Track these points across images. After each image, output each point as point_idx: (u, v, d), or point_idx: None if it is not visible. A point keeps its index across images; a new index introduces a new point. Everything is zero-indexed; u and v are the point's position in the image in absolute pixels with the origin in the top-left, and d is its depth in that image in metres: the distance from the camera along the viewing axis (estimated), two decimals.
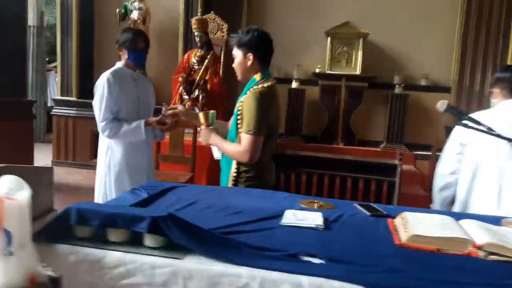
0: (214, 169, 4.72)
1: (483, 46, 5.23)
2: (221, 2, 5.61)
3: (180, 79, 4.72)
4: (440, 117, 5.52)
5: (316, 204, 1.64)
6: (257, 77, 2.08)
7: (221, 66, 4.97)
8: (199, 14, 5.45)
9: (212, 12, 5.19)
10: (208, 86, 4.76)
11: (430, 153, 5.10)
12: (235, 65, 2.13)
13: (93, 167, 5.85)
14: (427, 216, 1.40)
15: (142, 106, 2.60)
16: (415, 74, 5.57)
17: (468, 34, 5.26)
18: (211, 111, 2.20)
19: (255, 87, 2.05)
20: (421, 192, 4.65)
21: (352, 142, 5.49)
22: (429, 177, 4.87)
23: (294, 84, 5.55)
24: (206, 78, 4.76)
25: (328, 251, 1.14)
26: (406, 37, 5.50)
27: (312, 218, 1.42)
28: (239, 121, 2.06)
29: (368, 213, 1.55)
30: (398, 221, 1.43)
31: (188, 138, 4.23)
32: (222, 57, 5.05)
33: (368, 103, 5.60)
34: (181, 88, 4.77)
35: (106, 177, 2.52)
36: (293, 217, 1.43)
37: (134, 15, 5.59)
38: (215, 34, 5.18)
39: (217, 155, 2.21)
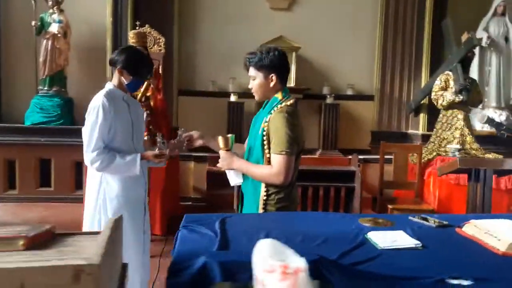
0: (169, 190, 4.54)
1: (400, 57, 5.79)
2: (150, 15, 5.35)
3: None
4: (366, 124, 6.00)
5: (377, 221, 1.67)
6: (278, 96, 2.05)
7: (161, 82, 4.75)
8: (129, 28, 5.15)
9: (147, 25, 4.93)
10: (152, 103, 4.51)
11: (363, 156, 5.52)
12: (255, 86, 2.07)
13: (7, 199, 5.24)
14: (499, 222, 1.51)
15: (136, 133, 2.37)
16: (342, 85, 5.94)
17: (387, 45, 5.78)
18: (230, 135, 2.12)
19: (279, 106, 2.01)
20: (366, 194, 4.96)
21: None
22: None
23: (232, 98, 5.53)
24: (148, 94, 4.49)
25: (460, 271, 1.16)
26: (332, 50, 5.84)
27: (401, 238, 1.43)
28: (265, 142, 2.00)
29: (433, 225, 1.62)
30: (471, 229, 1.51)
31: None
32: (161, 72, 4.84)
33: (302, 113, 5.77)
34: None
35: (100, 214, 2.23)
36: (383, 239, 1.43)
37: (53, 28, 5.08)
38: (151, 48, 4.93)
39: (236, 180, 2.12)
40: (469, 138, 4.33)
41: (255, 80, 2.06)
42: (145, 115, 4.34)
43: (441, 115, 4.57)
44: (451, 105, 4.43)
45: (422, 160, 4.24)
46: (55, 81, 5.21)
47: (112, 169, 2.20)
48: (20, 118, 5.26)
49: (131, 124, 2.33)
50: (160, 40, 4.93)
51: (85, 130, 2.21)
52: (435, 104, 4.57)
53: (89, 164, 2.22)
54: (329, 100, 5.62)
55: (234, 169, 2.08)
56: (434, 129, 4.62)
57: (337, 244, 1.39)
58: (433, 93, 4.56)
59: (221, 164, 2.08)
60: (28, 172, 5.16)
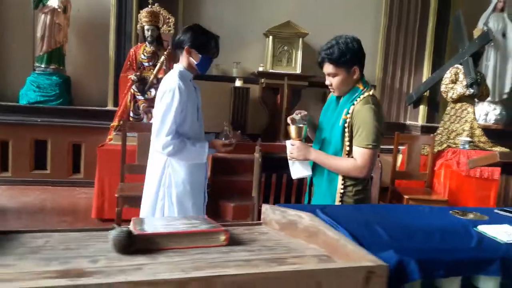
0: None
1: (402, 48, 5.86)
2: None
3: (133, 77, 4.21)
4: None
5: (470, 214, 1.68)
6: (359, 86, 1.99)
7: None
8: (134, 5, 4.93)
9: (156, 4, 4.72)
10: None
11: None
12: (336, 83, 1.97)
13: None
14: None
15: (200, 118, 2.27)
16: None
17: (390, 37, 5.84)
18: (304, 126, 2.05)
19: (361, 97, 1.96)
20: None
21: None
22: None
23: (238, 83, 5.43)
24: (160, 76, 4.33)
25: None
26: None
27: (510, 232, 1.45)
28: (346, 134, 1.95)
29: None
30: None
31: None
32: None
33: (305, 101, 5.80)
34: (133, 87, 4.26)
35: (164, 200, 2.13)
36: (498, 233, 1.43)
37: (53, 2, 4.78)
38: (161, 28, 4.74)
39: (302, 172, 2.06)
40: (478, 131, 4.45)
41: (335, 76, 1.96)
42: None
43: (449, 108, 4.67)
44: (460, 98, 4.54)
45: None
46: (53, 58, 4.92)
47: (183, 155, 2.12)
48: (14, 96, 4.96)
49: (197, 109, 2.23)
50: (170, 20, 4.74)
51: (158, 113, 2.11)
52: (445, 96, 4.66)
53: (160, 148, 2.12)
54: None
55: (306, 160, 2.02)
56: (442, 121, 4.72)
57: (458, 239, 1.38)
58: (443, 86, 4.65)
59: (296, 155, 2.00)
60: (23, 154, 4.90)
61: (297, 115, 2.12)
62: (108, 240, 0.92)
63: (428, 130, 5.48)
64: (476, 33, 4.66)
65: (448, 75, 4.64)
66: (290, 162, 2.09)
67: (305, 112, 2.15)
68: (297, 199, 3.98)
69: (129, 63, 4.35)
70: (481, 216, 1.67)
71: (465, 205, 4.11)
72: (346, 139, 1.95)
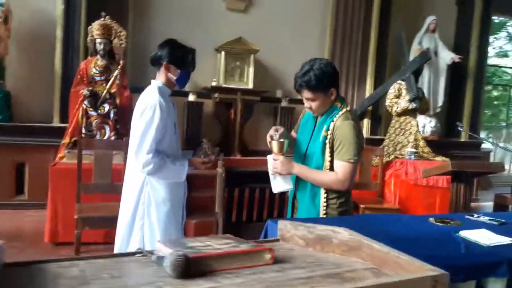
0: None
1: (346, 65, 6.16)
2: (105, 5, 4.98)
3: (86, 92, 4.03)
4: None
5: (447, 221, 1.82)
6: (338, 104, 2.08)
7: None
8: (82, 17, 4.76)
9: (107, 17, 4.58)
10: (117, 100, 4.22)
11: None
12: (316, 106, 2.04)
13: None
14: None
15: (177, 135, 2.23)
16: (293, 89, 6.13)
17: (335, 54, 6.12)
18: (286, 140, 2.09)
19: (340, 113, 2.05)
20: None
21: (246, 153, 5.68)
22: None
23: (191, 97, 5.40)
24: (113, 91, 4.20)
25: None
26: (285, 54, 5.99)
27: (492, 236, 1.59)
28: (327, 149, 2.02)
29: (496, 223, 1.81)
30: None
31: (117, 162, 3.71)
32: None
33: (257, 115, 5.90)
34: (85, 102, 4.08)
35: (143, 219, 2.06)
36: (479, 238, 1.57)
37: None
38: (113, 41, 4.60)
39: (283, 186, 2.10)
40: (421, 143, 4.80)
41: (314, 101, 2.03)
42: (111, 113, 4.12)
43: (393, 121, 4.99)
44: (404, 112, 4.86)
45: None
46: None
47: (162, 174, 2.07)
48: None
49: (174, 125, 2.20)
50: (122, 34, 4.63)
51: (138, 130, 2.04)
52: (390, 110, 4.97)
53: (140, 167, 2.05)
54: (284, 103, 5.79)
55: (289, 174, 2.07)
56: (388, 134, 5.02)
57: (445, 245, 1.49)
58: (387, 100, 4.96)
59: (280, 169, 2.04)
60: None
61: (275, 132, 2.17)
62: (152, 264, 0.90)
63: (372, 142, 5.78)
64: (416, 52, 5.04)
65: (392, 91, 4.96)
66: (271, 176, 2.13)
67: (282, 129, 2.20)
68: (264, 212, 4.01)
69: (79, 77, 4.17)
70: (456, 222, 1.81)
71: (415, 212, 4.38)
72: (327, 154, 2.03)
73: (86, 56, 4.65)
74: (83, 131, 4.04)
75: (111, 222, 3.34)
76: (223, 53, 5.52)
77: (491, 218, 1.88)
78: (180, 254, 0.79)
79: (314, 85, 1.98)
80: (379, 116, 6.14)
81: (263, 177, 4.14)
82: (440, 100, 6.41)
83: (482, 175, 3.77)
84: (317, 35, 6.19)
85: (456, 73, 6.60)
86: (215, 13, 5.76)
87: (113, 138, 4.10)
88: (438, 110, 6.41)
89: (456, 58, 6.10)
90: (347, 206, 2.09)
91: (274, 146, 2.06)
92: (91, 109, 4.08)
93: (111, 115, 4.12)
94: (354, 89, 6.24)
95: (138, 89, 5.30)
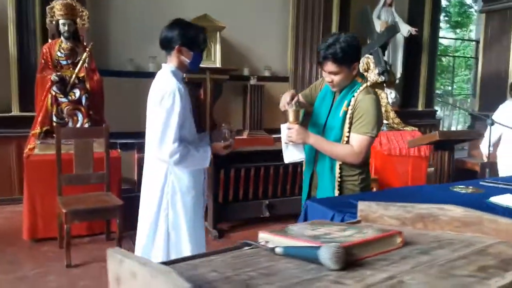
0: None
1: (310, 40, 6.19)
2: None
3: (54, 78, 3.75)
4: None
5: (469, 189, 1.92)
6: (358, 79, 2.09)
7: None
8: None
9: None
10: (87, 85, 3.97)
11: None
12: (338, 80, 2.02)
13: None
14: None
15: (194, 120, 2.14)
16: (260, 66, 6.10)
17: (298, 30, 6.12)
18: (302, 109, 2.08)
19: (361, 88, 2.06)
20: None
21: None
22: None
23: None
24: (81, 75, 3.94)
25: None
26: (250, 32, 5.91)
27: None
28: (347, 124, 2.03)
29: (510, 187, 1.94)
30: None
31: (98, 150, 3.52)
32: None
33: (226, 94, 5.81)
34: (53, 88, 3.79)
35: (167, 210, 1.98)
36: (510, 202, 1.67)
37: None
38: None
39: (297, 156, 2.10)
40: (392, 114, 4.98)
41: (337, 74, 2.00)
42: (83, 99, 3.88)
43: None
44: (373, 86, 5.00)
45: None
46: None
47: (187, 162, 1.99)
48: None
49: (190, 111, 2.10)
50: (84, 13, 4.31)
51: (159, 119, 1.93)
52: None
53: (166, 157, 1.95)
54: (253, 82, 5.74)
55: (304, 144, 2.06)
56: None
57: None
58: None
59: (295, 138, 2.03)
60: None
61: (290, 99, 2.13)
62: (280, 258, 0.86)
63: None
64: (381, 25, 5.16)
65: (360, 65, 5.07)
66: (284, 146, 2.12)
67: (298, 96, 2.18)
68: (250, 191, 4.01)
69: (44, 61, 3.86)
70: (477, 189, 1.91)
71: (391, 182, 4.58)
72: (346, 129, 2.04)
73: (45, 38, 4.31)
74: (54, 119, 3.78)
75: (99, 213, 3.22)
76: None
77: (506, 183, 2.00)
78: (337, 246, 0.76)
79: (341, 58, 1.95)
80: None
81: (248, 157, 4.14)
82: (399, 72, 6.65)
83: (461, 143, 4.00)
84: (280, 11, 6.14)
85: (411, 45, 6.86)
86: None
87: (86, 125, 3.87)
88: (397, 81, 6.66)
89: (412, 30, 6.32)
90: (367, 182, 2.14)
91: (290, 114, 2.04)
92: (60, 95, 3.81)
93: (83, 101, 3.88)
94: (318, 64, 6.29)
95: (102, 72, 5.10)
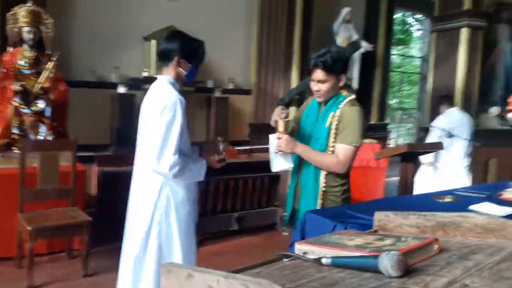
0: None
1: (272, 55, 6.32)
2: None
3: (17, 88, 3.57)
4: (245, 116, 6.36)
5: (448, 198, 2.05)
6: (343, 92, 2.18)
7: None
8: None
9: (30, 2, 4.05)
10: (51, 96, 3.81)
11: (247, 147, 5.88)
12: (325, 89, 2.11)
13: None
14: None
15: (189, 133, 2.13)
16: (224, 79, 6.13)
17: (262, 44, 6.24)
18: (291, 120, 2.15)
19: (346, 100, 2.15)
20: None
21: None
22: None
23: (121, 89, 5.07)
24: (46, 86, 3.78)
25: None
26: (215, 44, 5.90)
27: (495, 207, 1.85)
28: (332, 135, 2.11)
29: (483, 196, 2.10)
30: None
31: (64, 163, 3.38)
32: None
33: (191, 106, 5.73)
34: (15, 99, 3.61)
35: (161, 224, 1.95)
36: (488, 210, 1.81)
37: None
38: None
39: (284, 165, 2.17)
40: None
41: (325, 83, 2.10)
42: (49, 111, 3.72)
43: None
44: None
45: None
46: None
47: (186, 174, 1.97)
48: None
49: (187, 123, 2.09)
50: (48, 22, 4.14)
51: (159, 131, 1.90)
52: None
53: (166, 169, 1.91)
54: (217, 94, 5.75)
55: (293, 153, 2.12)
56: None
57: None
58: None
59: (285, 148, 2.09)
60: None
61: (281, 111, 2.21)
62: (325, 269, 0.89)
63: None
64: (344, 42, 5.38)
65: None
66: (272, 155, 2.18)
67: (287, 110, 2.26)
68: (218, 206, 3.99)
69: (5, 70, 3.67)
70: (455, 198, 2.05)
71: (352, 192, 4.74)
72: (331, 140, 2.13)
73: (4, 47, 4.09)
74: (16, 131, 3.58)
75: (67, 230, 3.08)
76: (153, 42, 5.27)
77: (475, 191, 2.17)
78: (399, 254, 0.81)
79: (330, 66, 2.06)
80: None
81: (216, 170, 4.15)
82: (354, 86, 6.94)
83: (425, 154, 4.23)
84: (244, 25, 6.23)
85: (366, 61, 7.18)
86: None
87: (50, 137, 3.70)
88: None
89: (369, 47, 6.64)
90: (348, 193, 2.22)
91: (280, 125, 2.12)
92: (23, 106, 3.63)
93: (47, 112, 3.71)
94: (280, 79, 6.42)
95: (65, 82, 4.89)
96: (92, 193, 4.69)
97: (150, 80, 5.11)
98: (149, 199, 1.99)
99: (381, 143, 6.48)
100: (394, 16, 8.18)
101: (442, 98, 4.89)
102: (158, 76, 2.11)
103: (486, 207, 1.85)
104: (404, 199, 2.24)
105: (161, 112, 1.94)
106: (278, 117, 2.15)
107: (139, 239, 1.99)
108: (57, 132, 3.75)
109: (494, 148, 5.89)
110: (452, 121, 4.52)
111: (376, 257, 0.83)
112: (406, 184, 3.44)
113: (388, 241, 0.97)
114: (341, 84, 2.16)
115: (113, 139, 5.08)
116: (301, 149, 2.12)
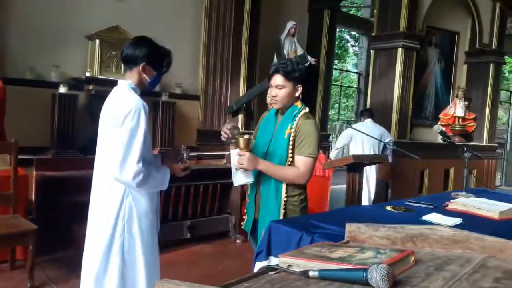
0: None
1: (220, 63, 6.32)
2: None
3: None
4: (193, 122, 6.29)
5: (400, 208, 2.18)
6: (298, 104, 2.25)
7: None
8: None
9: None
10: None
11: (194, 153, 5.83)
12: (281, 95, 2.19)
13: None
14: (475, 200, 2.26)
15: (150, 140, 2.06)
16: (171, 83, 6.03)
17: (210, 52, 6.23)
18: (251, 137, 2.17)
19: (301, 113, 2.22)
20: None
21: None
22: None
23: (62, 89, 4.81)
24: None
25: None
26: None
27: (446, 217, 1.99)
28: (291, 146, 2.17)
29: (431, 207, 2.25)
30: (458, 206, 2.22)
31: (3, 167, 3.16)
32: None
33: None
34: None
35: (123, 235, 1.87)
36: (440, 220, 1.95)
37: None
38: None
39: (245, 180, 2.19)
40: None
41: (282, 89, 2.18)
42: None
43: None
44: None
45: None
46: None
47: (149, 184, 1.90)
48: None
49: (150, 128, 2.03)
50: None
51: (122, 138, 1.82)
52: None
53: (129, 178, 1.84)
54: (164, 98, 5.64)
55: (253, 170, 2.15)
56: None
57: None
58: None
59: (247, 165, 2.12)
60: None
61: (230, 129, 2.23)
62: (313, 282, 0.92)
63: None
64: (291, 54, 5.51)
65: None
66: (233, 170, 2.19)
67: (235, 125, 2.29)
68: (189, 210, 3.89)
69: None
70: (408, 209, 2.19)
71: None
72: (290, 150, 2.20)
73: None
74: None
75: (10, 239, 2.87)
76: (97, 41, 5.07)
77: (423, 203, 2.32)
78: (387, 267, 0.85)
79: (289, 71, 2.15)
80: (251, 112, 6.50)
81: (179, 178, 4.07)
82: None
83: (370, 165, 4.43)
84: (191, 30, 6.19)
85: (308, 74, 7.42)
86: None
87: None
88: None
89: (312, 61, 6.85)
90: (306, 202, 2.30)
91: (241, 142, 2.13)
92: None
93: None
94: (227, 87, 6.43)
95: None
96: (31, 199, 4.40)
97: (93, 80, 5.01)
98: (110, 210, 1.91)
99: (324, 153, 6.73)
100: None
101: (364, 111, 6.22)
102: (119, 81, 2.05)
103: (437, 218, 1.99)
104: (360, 209, 2.34)
105: (124, 118, 1.88)
106: (229, 133, 2.17)
107: (100, 253, 1.89)
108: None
109: (428, 160, 6.34)
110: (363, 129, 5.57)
111: (365, 270, 0.87)
112: (353, 193, 3.60)
113: (369, 253, 1.02)
114: (297, 94, 2.23)
115: (53, 142, 4.80)
116: (263, 166, 2.16)
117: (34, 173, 4.41)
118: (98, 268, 1.88)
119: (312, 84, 7.29)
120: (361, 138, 5.56)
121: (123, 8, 5.53)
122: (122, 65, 2.07)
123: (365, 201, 5.11)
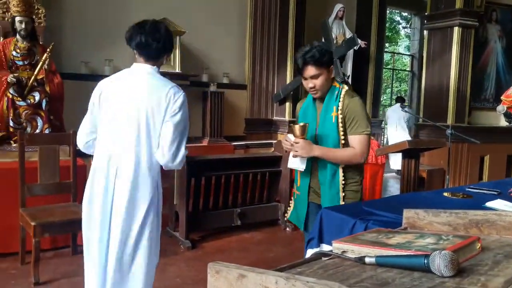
0: None
1: (266, 51, 6.28)
2: None
3: (11, 79, 3.48)
4: (241, 111, 6.32)
5: (458, 194, 2.06)
6: (335, 84, 2.18)
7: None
8: None
9: None
10: (47, 87, 3.72)
11: (243, 142, 5.87)
12: (320, 84, 2.11)
13: None
14: None
15: None
16: (218, 73, 6.08)
17: (256, 40, 6.20)
18: (307, 123, 2.13)
19: (343, 92, 2.15)
20: None
21: None
22: None
23: None
24: (40, 77, 3.69)
25: None
26: (209, 38, 5.89)
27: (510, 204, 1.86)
28: (341, 128, 2.11)
29: (495, 193, 2.11)
30: None
31: (64, 157, 3.31)
32: None
33: (187, 100, 5.70)
34: (10, 91, 3.51)
35: (153, 225, 1.94)
36: (505, 206, 1.82)
37: None
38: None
39: (298, 166, 2.15)
40: None
41: (318, 77, 2.09)
42: (44, 103, 3.63)
43: None
44: None
45: None
46: None
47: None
48: None
49: None
50: (40, 11, 4.04)
51: (178, 127, 1.90)
52: None
53: (180, 166, 1.92)
54: (212, 88, 5.70)
55: (310, 156, 2.11)
56: None
57: None
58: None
59: (301, 152, 2.09)
60: None
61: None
62: (367, 267, 0.88)
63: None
64: (339, 37, 5.37)
65: None
66: (291, 154, 2.16)
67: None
68: (220, 200, 3.96)
69: None
70: (467, 196, 2.06)
71: None
72: (341, 133, 2.13)
73: None
74: (11, 124, 3.49)
75: (71, 226, 3.02)
76: None
77: (486, 189, 2.18)
78: (452, 253, 0.79)
79: (319, 59, 2.05)
80: (299, 100, 6.41)
81: (217, 165, 4.09)
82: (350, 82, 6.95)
83: (427, 151, 4.25)
84: (238, 20, 6.18)
85: (358, 57, 7.20)
86: None
87: (47, 131, 3.62)
88: None
89: (362, 43, 6.65)
90: (361, 184, 2.22)
91: (296, 129, 2.10)
92: (18, 98, 3.53)
93: (43, 105, 3.63)
94: (275, 75, 6.39)
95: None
96: None
97: None
98: (147, 193, 1.91)
99: (377, 140, 6.53)
100: None
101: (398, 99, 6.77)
102: (141, 64, 1.98)
103: (502, 204, 1.86)
104: (416, 195, 2.24)
105: (179, 108, 1.91)
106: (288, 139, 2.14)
107: (135, 234, 1.90)
108: (54, 126, 3.66)
109: (489, 145, 5.98)
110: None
111: (426, 256, 0.81)
112: (409, 180, 3.47)
113: (430, 240, 0.96)
114: (332, 75, 2.16)
115: None
116: (319, 152, 2.11)
117: (91, 162, 4.62)
118: (119, 264, 1.88)
119: (362, 68, 7.10)
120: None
121: (171, 1, 5.62)
122: (137, 51, 2.00)
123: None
